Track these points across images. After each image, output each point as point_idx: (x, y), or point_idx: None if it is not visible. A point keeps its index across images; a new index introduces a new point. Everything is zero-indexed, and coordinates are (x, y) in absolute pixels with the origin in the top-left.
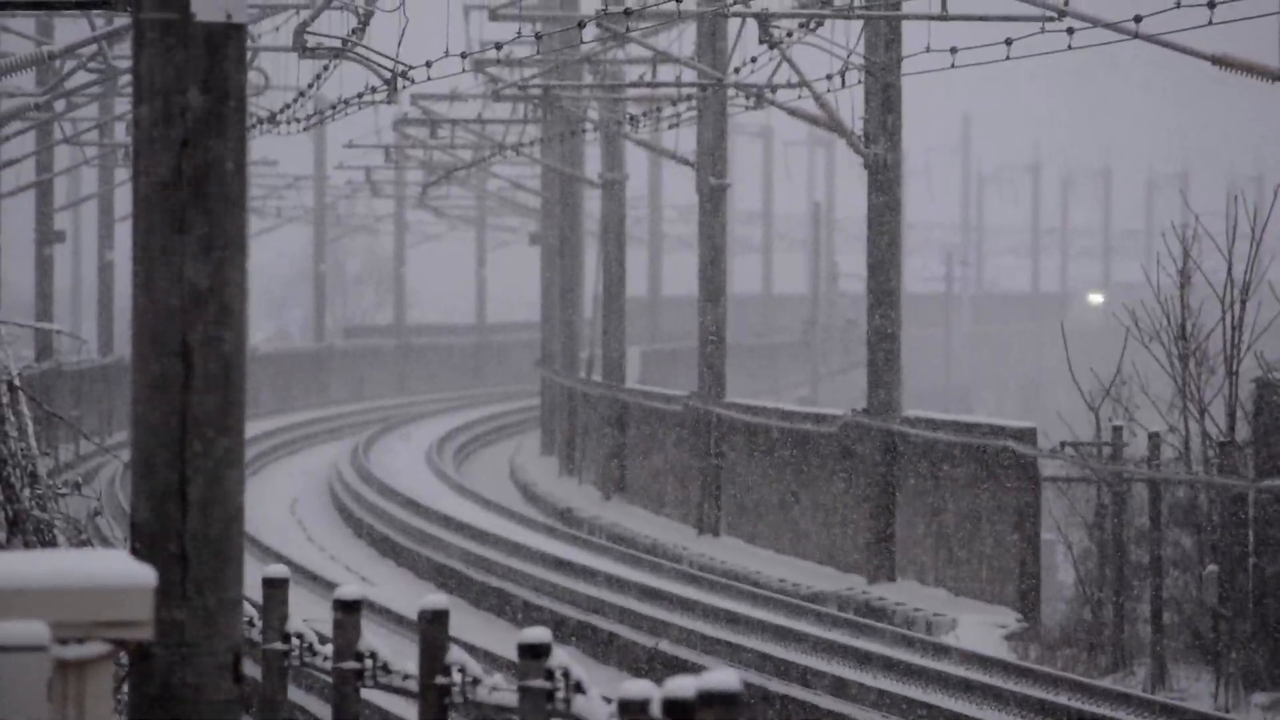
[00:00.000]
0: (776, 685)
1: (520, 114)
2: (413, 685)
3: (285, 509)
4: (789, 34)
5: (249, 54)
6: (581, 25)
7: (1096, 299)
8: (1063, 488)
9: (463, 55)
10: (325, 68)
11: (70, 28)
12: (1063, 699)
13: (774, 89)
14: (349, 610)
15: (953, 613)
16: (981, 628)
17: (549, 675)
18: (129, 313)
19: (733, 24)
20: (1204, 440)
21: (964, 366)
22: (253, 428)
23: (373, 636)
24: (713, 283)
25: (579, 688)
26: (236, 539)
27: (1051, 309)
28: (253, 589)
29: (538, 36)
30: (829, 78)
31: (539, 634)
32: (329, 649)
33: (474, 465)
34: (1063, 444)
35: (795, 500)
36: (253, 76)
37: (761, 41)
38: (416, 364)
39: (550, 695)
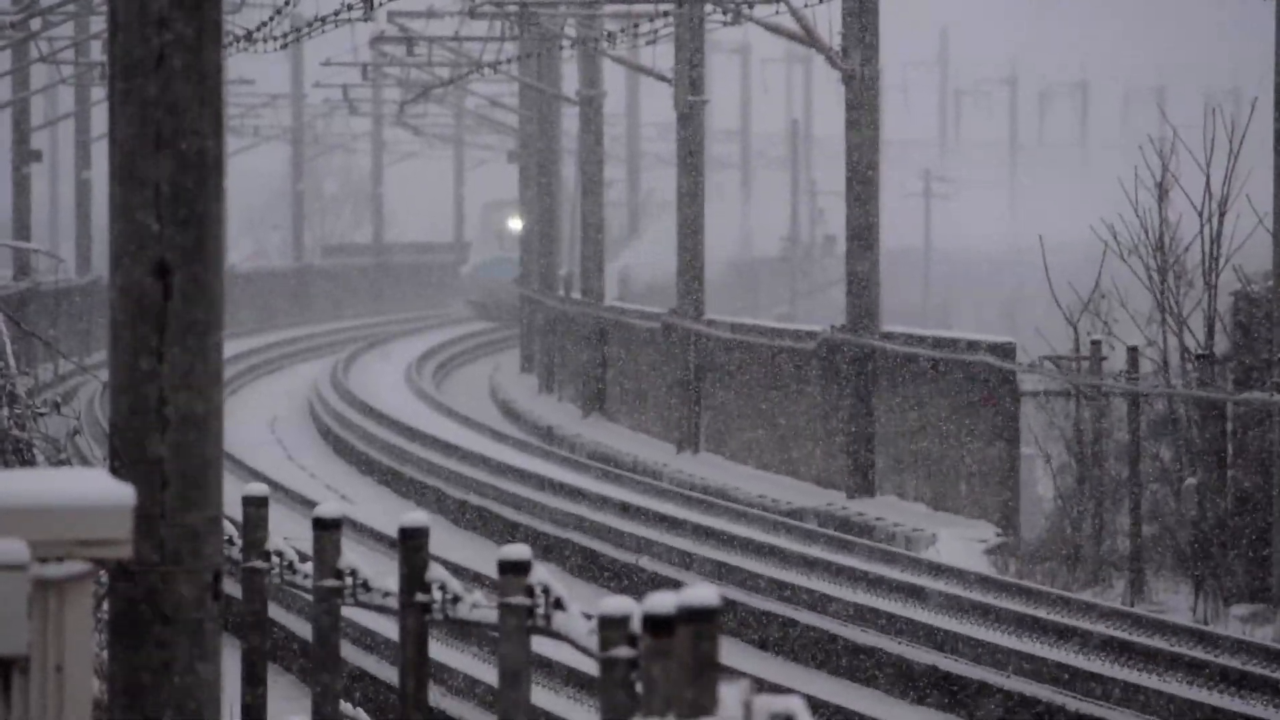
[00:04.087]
0: (756, 600)
1: (497, 31)
2: (393, 603)
3: (265, 428)
4: None
5: None
6: None
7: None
8: (1042, 402)
9: None
10: None
11: None
12: (1042, 612)
13: (751, 4)
14: (329, 528)
15: (932, 528)
16: (961, 542)
17: (529, 592)
18: (107, 231)
19: None
20: (1182, 353)
21: (943, 282)
22: (232, 347)
23: (353, 554)
24: (691, 200)
25: (559, 604)
26: (216, 457)
27: None
28: (233, 507)
29: None
30: None
31: (519, 551)
32: (309, 567)
33: (453, 383)
34: (1042, 358)
35: (774, 416)
36: None
37: None
38: (395, 282)
39: (530, 612)
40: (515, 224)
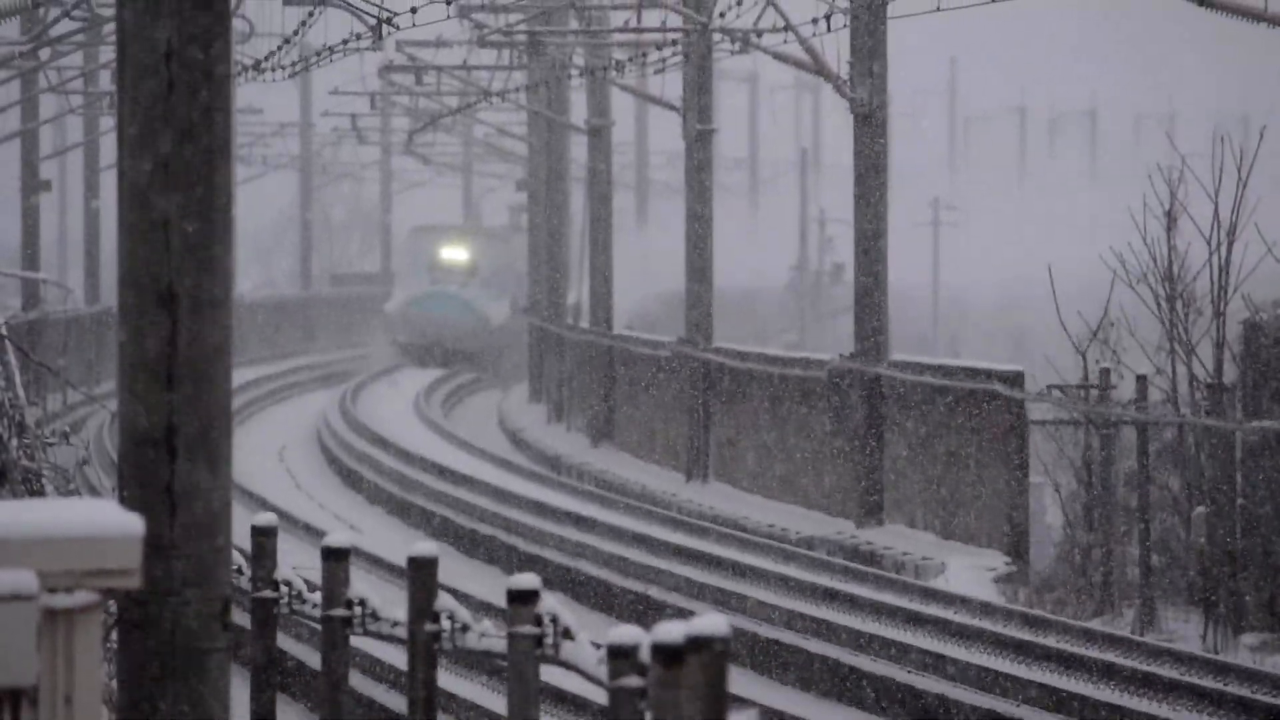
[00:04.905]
0: (765, 630)
1: (506, 60)
2: (402, 632)
3: (274, 457)
4: None
5: (233, 0)
6: None
7: None
8: (1051, 431)
9: (448, 2)
10: (310, 14)
11: None
12: (1051, 641)
13: (759, 33)
14: (338, 558)
15: (941, 556)
16: (970, 571)
17: (538, 621)
18: (115, 261)
19: None
20: (1191, 382)
21: (951, 309)
22: (240, 375)
23: (362, 584)
24: (699, 228)
25: (568, 633)
26: (225, 487)
27: None
28: (241, 537)
29: None
30: (814, 21)
31: (528, 580)
32: (318, 597)
33: (462, 413)
34: (1050, 387)
35: (783, 445)
36: (237, 24)
37: None
38: None
39: (539, 641)
40: (454, 253)
